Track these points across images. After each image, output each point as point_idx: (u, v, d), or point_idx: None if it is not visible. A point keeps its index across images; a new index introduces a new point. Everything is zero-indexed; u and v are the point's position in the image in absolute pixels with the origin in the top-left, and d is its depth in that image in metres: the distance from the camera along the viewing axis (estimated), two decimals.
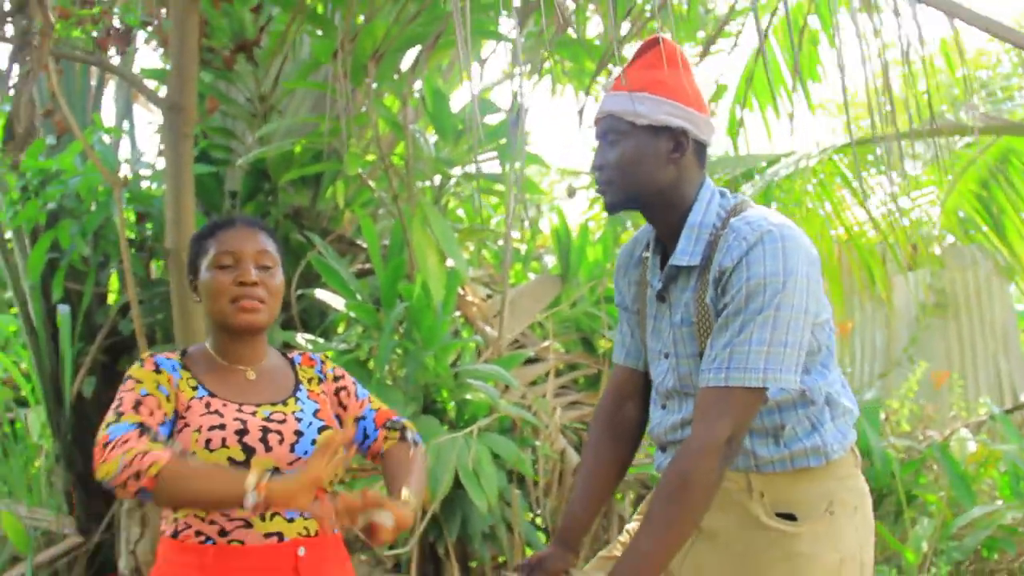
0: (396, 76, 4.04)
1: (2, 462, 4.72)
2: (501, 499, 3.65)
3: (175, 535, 1.85)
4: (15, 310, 4.86)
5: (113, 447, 1.70)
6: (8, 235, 4.55)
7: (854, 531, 1.91)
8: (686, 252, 1.87)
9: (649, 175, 1.87)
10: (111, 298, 4.76)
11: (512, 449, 3.49)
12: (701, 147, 1.92)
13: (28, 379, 4.90)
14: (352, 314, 3.82)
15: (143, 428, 1.75)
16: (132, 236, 4.56)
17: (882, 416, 5.57)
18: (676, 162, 1.88)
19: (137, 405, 1.80)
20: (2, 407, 4.87)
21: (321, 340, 3.94)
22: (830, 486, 1.89)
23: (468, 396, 3.65)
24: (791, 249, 1.76)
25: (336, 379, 2.08)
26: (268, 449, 1.83)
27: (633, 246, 2.12)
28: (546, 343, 4.34)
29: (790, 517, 1.87)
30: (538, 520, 3.98)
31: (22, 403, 5.10)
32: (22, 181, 4.04)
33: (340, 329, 4.39)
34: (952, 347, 7.11)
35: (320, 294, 3.99)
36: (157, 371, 1.88)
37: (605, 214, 2.13)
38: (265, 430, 1.85)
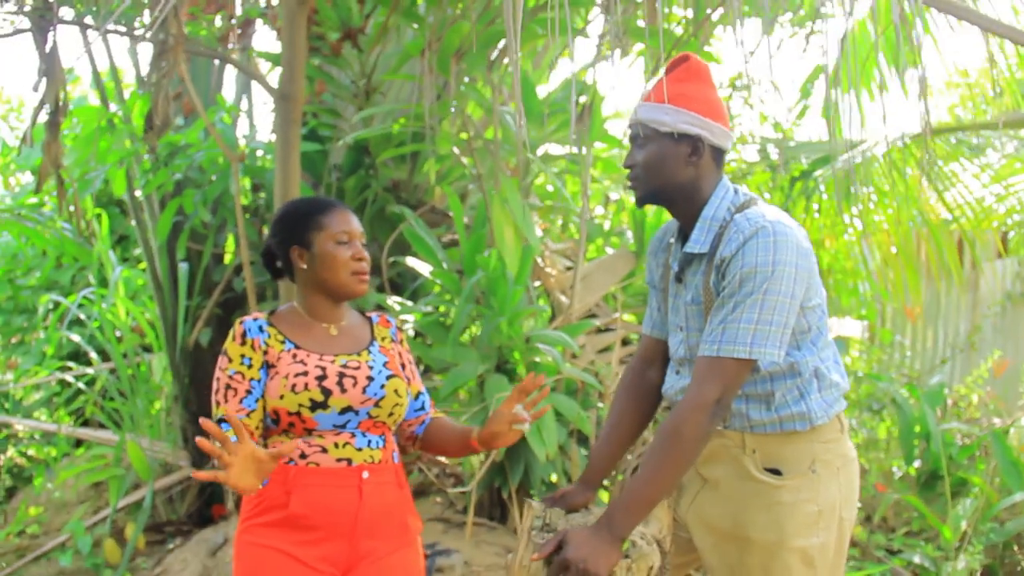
0: (487, 64, 4.41)
1: (129, 400, 5.19)
2: (562, 452, 4.04)
3: None
4: (144, 266, 5.42)
5: None
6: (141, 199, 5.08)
7: (836, 489, 2.20)
8: (698, 241, 2.20)
9: (670, 174, 2.21)
10: (227, 258, 5.24)
11: (573, 407, 3.86)
12: (718, 152, 2.24)
13: (153, 328, 5.37)
14: (437, 280, 4.24)
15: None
16: (247, 203, 5.05)
17: (949, 402, 5.72)
18: (694, 164, 2.20)
19: (227, 390, 2.20)
20: (131, 352, 5.28)
21: (410, 303, 4.37)
22: (814, 448, 2.19)
23: (537, 359, 4.04)
24: (781, 243, 2.08)
25: (407, 352, 2.46)
26: (343, 391, 2.19)
27: (663, 233, 2.46)
28: (616, 314, 4.68)
29: (777, 472, 2.19)
30: None
31: (147, 349, 5.60)
32: (153, 154, 4.56)
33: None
34: None
35: (410, 261, 4.42)
36: (243, 342, 2.23)
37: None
38: (341, 375, 2.20)
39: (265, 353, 2.24)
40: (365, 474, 2.22)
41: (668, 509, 2.36)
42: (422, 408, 2.45)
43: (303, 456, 2.20)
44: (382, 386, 2.25)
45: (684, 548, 2.40)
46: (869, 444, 5.41)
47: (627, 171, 2.30)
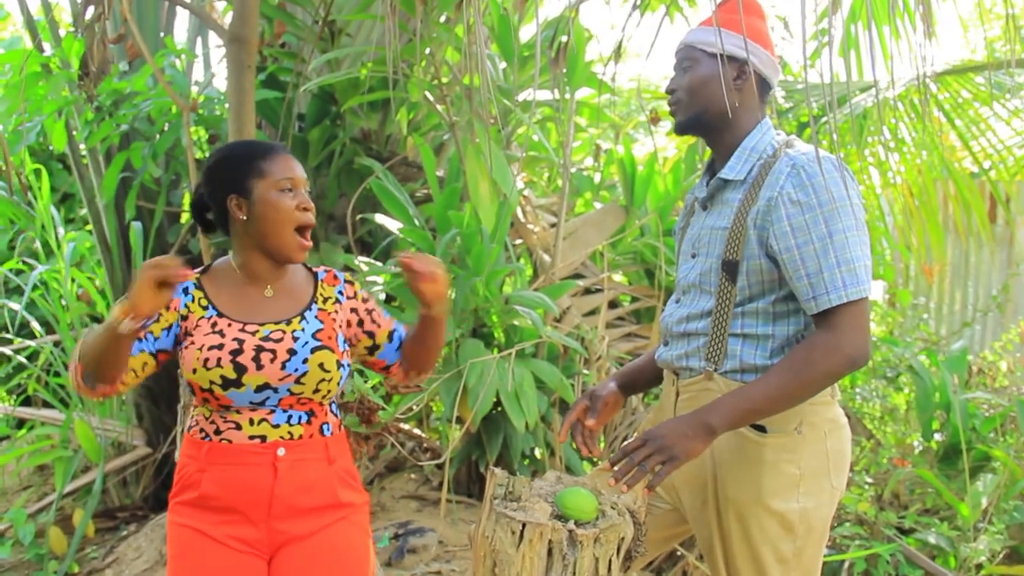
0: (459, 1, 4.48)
1: None
2: (544, 423, 4.18)
3: (189, 430, 2.36)
4: (91, 227, 5.43)
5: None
6: (84, 154, 5.14)
7: (823, 455, 2.34)
8: (733, 169, 2.38)
9: (713, 97, 2.37)
10: (183, 217, 5.30)
11: (555, 375, 3.99)
12: (763, 84, 2.43)
13: (103, 295, 5.39)
14: (408, 239, 4.35)
15: None
16: (201, 157, 5.11)
17: (974, 369, 5.81)
18: (739, 89, 2.39)
19: None
20: (78, 322, 5.31)
21: (379, 264, 4.48)
22: (803, 408, 2.31)
23: (516, 322, 4.17)
24: (847, 178, 2.25)
25: (364, 300, 2.47)
26: (259, 367, 2.22)
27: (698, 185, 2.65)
28: (604, 274, 4.80)
29: (761, 429, 2.33)
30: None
31: (96, 319, 5.58)
32: (94, 103, 4.62)
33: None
34: None
35: (380, 218, 4.53)
36: None
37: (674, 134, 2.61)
38: (259, 349, 2.23)
39: (184, 319, 2.31)
40: (281, 451, 2.28)
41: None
42: (401, 344, 2.49)
43: (217, 432, 2.28)
44: (304, 360, 2.26)
45: (667, 522, 2.56)
46: (886, 415, 5.50)
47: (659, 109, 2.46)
